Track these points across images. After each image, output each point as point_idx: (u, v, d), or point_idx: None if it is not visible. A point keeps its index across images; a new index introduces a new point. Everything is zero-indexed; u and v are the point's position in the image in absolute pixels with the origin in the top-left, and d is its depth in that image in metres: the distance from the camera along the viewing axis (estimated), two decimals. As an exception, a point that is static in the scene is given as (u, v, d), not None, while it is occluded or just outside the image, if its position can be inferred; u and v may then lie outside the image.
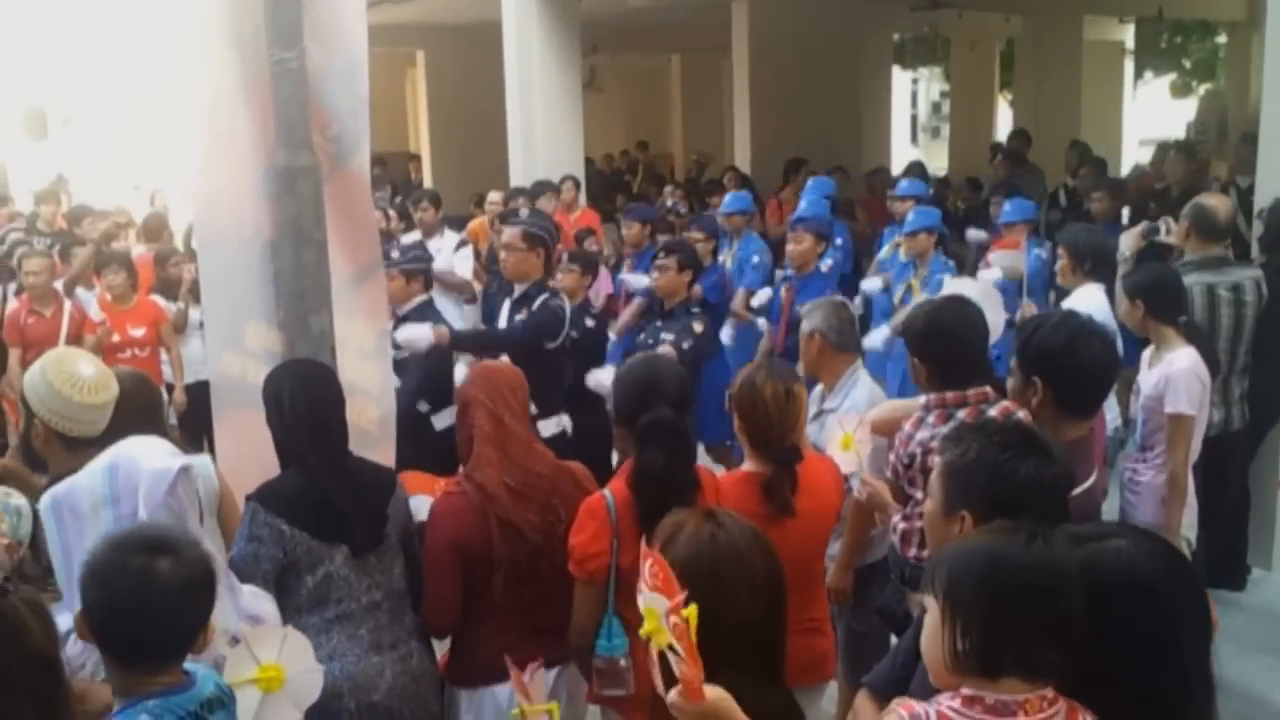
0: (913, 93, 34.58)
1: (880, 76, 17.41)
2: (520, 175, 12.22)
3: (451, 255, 9.20)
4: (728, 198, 9.96)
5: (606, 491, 3.50)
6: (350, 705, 3.39)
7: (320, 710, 3.03)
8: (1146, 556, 2.23)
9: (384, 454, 4.39)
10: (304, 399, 3.50)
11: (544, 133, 12.60)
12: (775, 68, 14.09)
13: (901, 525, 4.12)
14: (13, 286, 8.70)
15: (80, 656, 2.81)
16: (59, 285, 8.01)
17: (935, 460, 3.88)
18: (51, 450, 3.27)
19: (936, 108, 34.66)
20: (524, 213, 8.99)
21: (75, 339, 7.37)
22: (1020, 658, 2.07)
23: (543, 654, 3.53)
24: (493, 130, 13.50)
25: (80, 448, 3.29)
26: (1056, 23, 17.92)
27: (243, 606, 3.06)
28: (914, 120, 35.21)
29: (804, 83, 13.82)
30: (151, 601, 2.32)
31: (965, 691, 2.10)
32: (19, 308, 7.78)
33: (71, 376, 3.33)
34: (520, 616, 3.57)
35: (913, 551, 4.07)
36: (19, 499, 2.99)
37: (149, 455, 2.95)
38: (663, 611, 2.20)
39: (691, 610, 2.18)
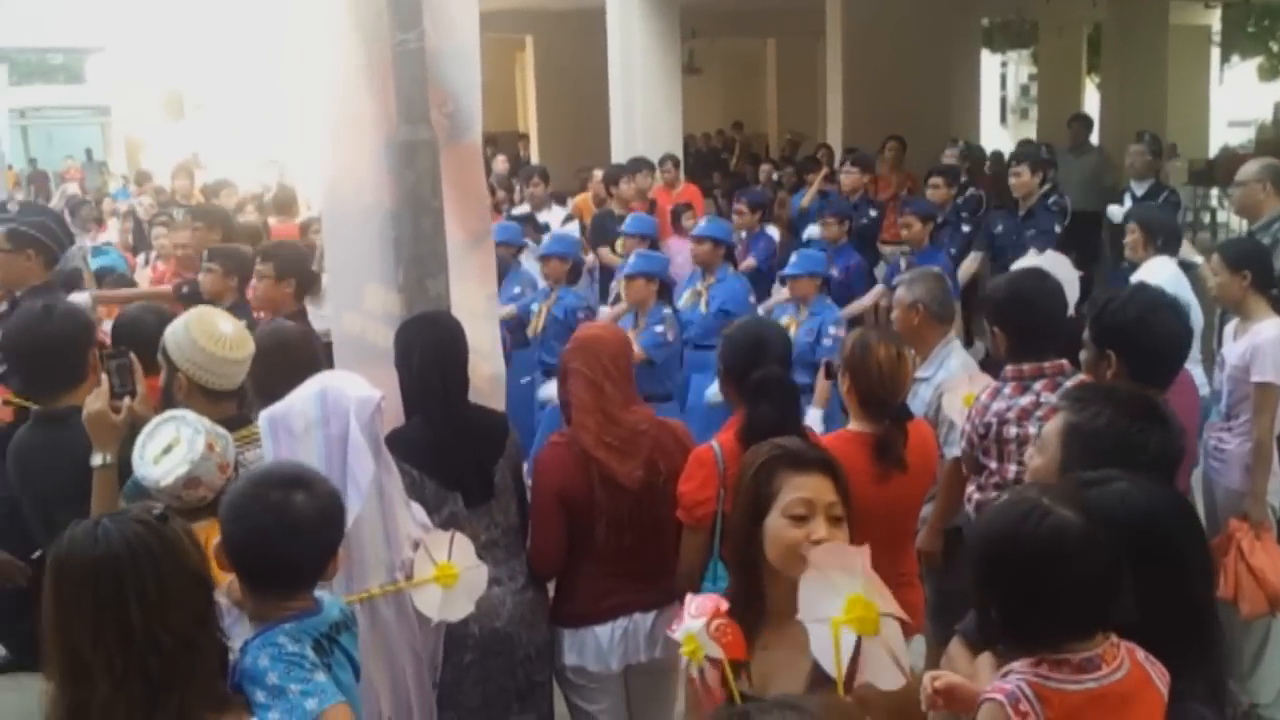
0: (1001, 75, 33.91)
1: (969, 59, 17.13)
2: (621, 153, 12.27)
3: (559, 228, 9.31)
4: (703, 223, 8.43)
5: (715, 443, 3.54)
6: (474, 630, 3.51)
7: (449, 636, 3.32)
8: (1150, 497, 2.22)
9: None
10: (433, 351, 3.61)
11: (644, 113, 12.64)
12: (867, 50, 13.96)
13: (976, 495, 4.09)
14: (151, 254, 9.00)
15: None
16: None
17: (1012, 430, 3.91)
18: (193, 401, 3.35)
19: (1025, 90, 33.98)
20: (13, 208, 8.10)
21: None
22: (1078, 622, 2.07)
23: (642, 597, 3.64)
24: (596, 110, 13.58)
25: (220, 399, 3.41)
26: (1143, 8, 17.43)
27: (417, 517, 3.28)
28: (1003, 102, 34.56)
29: (895, 65, 13.68)
30: (289, 530, 2.41)
31: (1049, 657, 2.09)
32: (163, 273, 8.03)
33: (214, 333, 3.44)
34: (621, 562, 3.63)
35: (987, 520, 4.06)
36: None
37: (353, 384, 3.12)
38: (700, 627, 2.32)
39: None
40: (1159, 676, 2.10)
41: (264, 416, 3.04)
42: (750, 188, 10.46)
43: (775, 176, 12.38)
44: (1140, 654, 2.11)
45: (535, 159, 17.47)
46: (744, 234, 9.24)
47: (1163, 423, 2.57)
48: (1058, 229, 8.15)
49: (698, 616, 2.38)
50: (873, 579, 2.25)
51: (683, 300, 7.46)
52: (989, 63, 26.46)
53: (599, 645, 3.66)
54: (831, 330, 6.62)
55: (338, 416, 3.04)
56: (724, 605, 2.40)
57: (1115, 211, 9.24)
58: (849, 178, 9.86)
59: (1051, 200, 8.31)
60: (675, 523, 3.56)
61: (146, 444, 2.92)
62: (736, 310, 6.82)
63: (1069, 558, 2.04)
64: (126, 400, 3.19)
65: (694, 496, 3.46)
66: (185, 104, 24.17)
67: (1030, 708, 2.05)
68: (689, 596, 2.51)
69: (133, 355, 3.29)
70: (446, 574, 3.13)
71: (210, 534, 2.78)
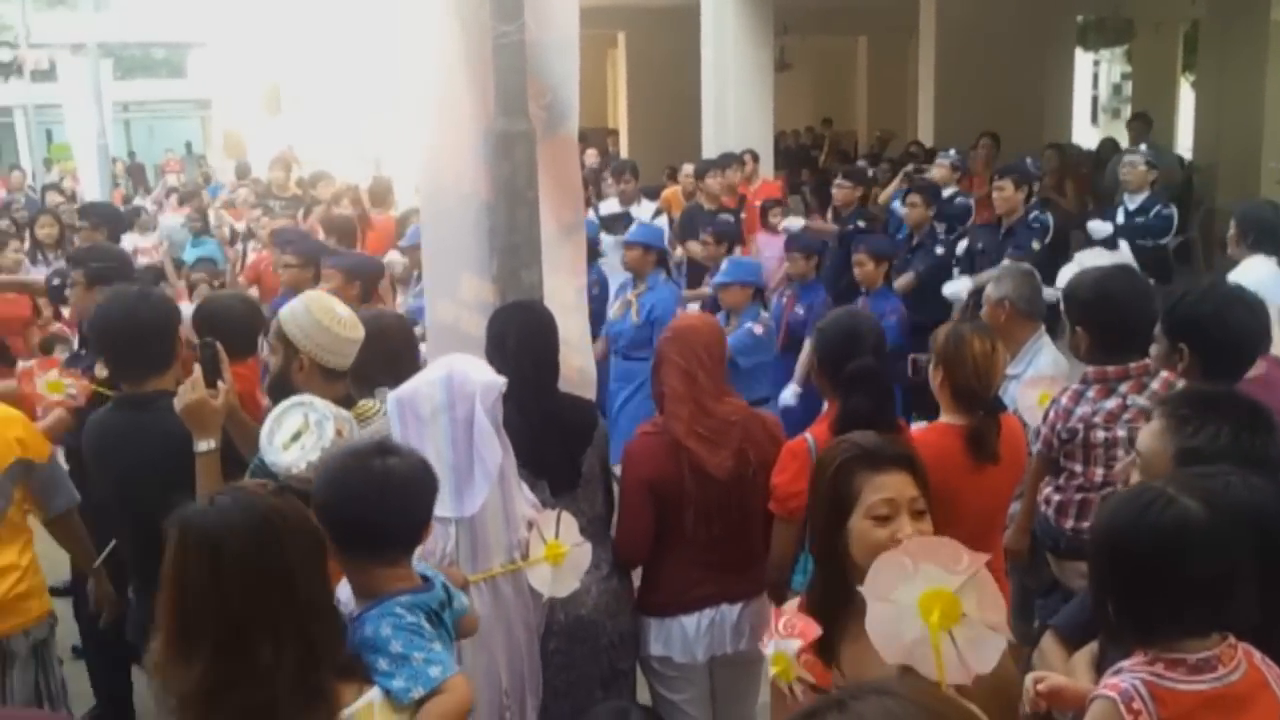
0: (1094, 74, 33.24)
1: (1063, 57, 16.84)
2: (712, 149, 12.25)
3: (649, 221, 9.32)
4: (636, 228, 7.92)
5: (808, 435, 3.53)
6: (560, 617, 3.56)
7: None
8: (1257, 491, 2.17)
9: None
10: (527, 339, 3.65)
11: (736, 109, 12.62)
12: (960, 48, 13.79)
13: (1056, 497, 4.04)
14: (251, 244, 9.20)
15: (435, 542, 3.07)
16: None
17: (1100, 434, 3.83)
18: (312, 382, 3.41)
19: (1117, 89, 33.25)
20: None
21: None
22: (1197, 618, 2.03)
23: (729, 588, 3.64)
24: (687, 106, 13.58)
25: (336, 379, 3.48)
26: (1243, 4, 16.97)
27: (528, 498, 3.38)
28: (1094, 101, 33.87)
29: (988, 63, 13.48)
30: (384, 494, 2.46)
31: (1164, 655, 2.05)
32: (260, 259, 8.21)
33: (334, 314, 3.52)
34: (709, 553, 3.63)
35: (1069, 523, 4.00)
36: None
37: (477, 369, 3.20)
38: (793, 653, 2.31)
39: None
40: (1276, 680, 2.06)
41: (392, 399, 3.10)
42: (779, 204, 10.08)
43: (871, 173, 12.28)
44: (1258, 656, 2.07)
45: (624, 154, 17.50)
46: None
47: (1268, 429, 2.51)
48: (1036, 246, 7.53)
49: (787, 636, 2.35)
50: (983, 586, 2.15)
51: (613, 310, 7.24)
52: (1081, 61, 25.95)
53: (685, 635, 3.66)
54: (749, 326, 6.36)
55: (463, 401, 3.11)
56: (814, 632, 2.35)
57: (1096, 228, 8.41)
58: (941, 170, 9.71)
59: (1033, 216, 7.77)
60: (765, 514, 3.55)
61: (275, 431, 2.97)
62: (667, 319, 6.31)
63: (1191, 550, 2.00)
64: (221, 386, 3.26)
65: (787, 488, 3.45)
66: (283, 99, 24.54)
67: (1143, 706, 2.01)
68: (780, 611, 2.48)
69: (218, 343, 3.37)
70: (555, 552, 3.24)
71: None
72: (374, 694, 2.27)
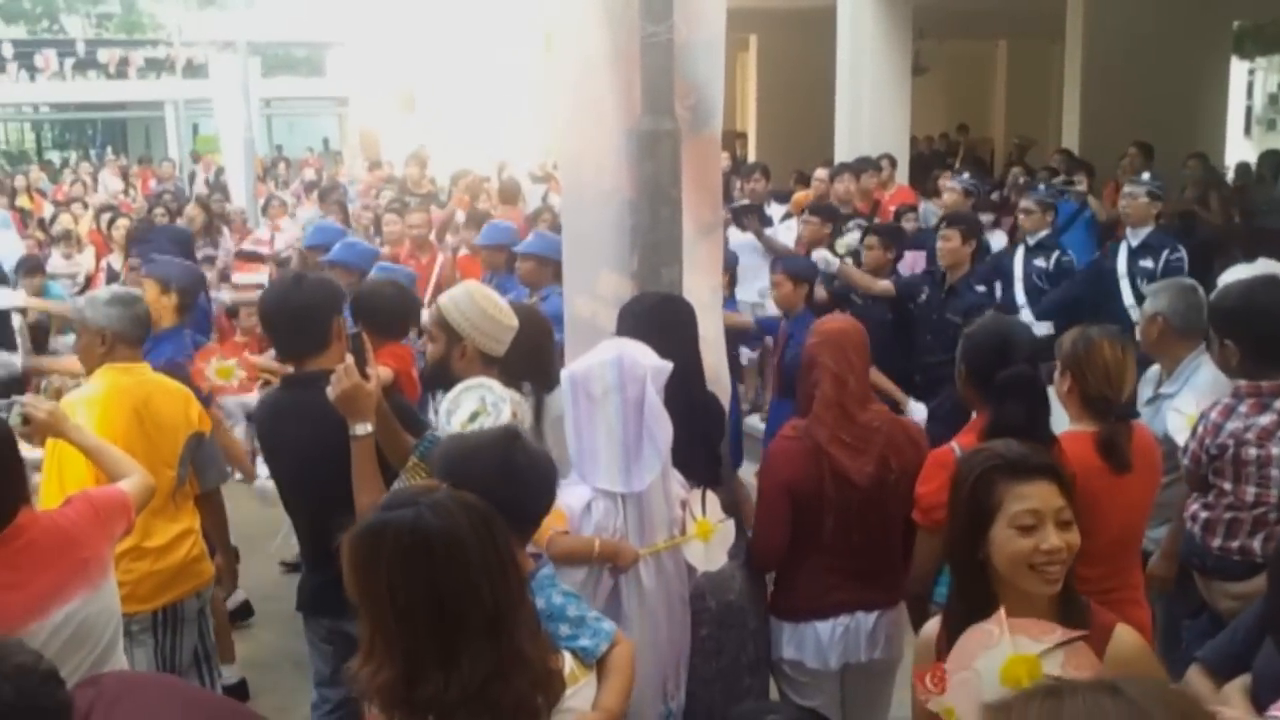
0: (1248, 83, 32.14)
1: (1218, 65, 16.25)
2: (845, 153, 12.15)
3: (779, 225, 9.31)
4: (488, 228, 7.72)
5: (955, 445, 3.48)
6: (711, 604, 3.61)
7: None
8: None
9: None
10: (674, 330, 3.70)
11: (871, 113, 12.49)
12: (1108, 53, 13.42)
13: (1204, 514, 3.91)
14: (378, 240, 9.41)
15: (606, 518, 3.20)
16: (433, 237, 8.60)
17: (1252, 451, 3.70)
18: (472, 368, 3.51)
19: (1274, 99, 32.08)
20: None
21: (442, 281, 7.90)
22: None
23: (865, 596, 3.61)
24: (817, 110, 13.50)
25: (492, 365, 3.56)
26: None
27: (678, 477, 3.47)
28: (1248, 112, 32.74)
29: (1137, 69, 13.10)
30: (514, 470, 2.58)
31: None
32: (394, 254, 8.39)
33: (494, 301, 3.63)
34: (846, 560, 3.61)
35: (1217, 541, 3.87)
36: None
37: (644, 353, 3.29)
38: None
39: None
40: None
41: (566, 377, 3.20)
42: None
43: (1020, 180, 12.05)
44: None
45: (752, 158, 17.46)
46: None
47: None
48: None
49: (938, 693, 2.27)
50: (1076, 653, 2.12)
51: None
52: (1235, 69, 25.11)
53: (819, 641, 3.65)
54: None
55: (634, 382, 3.20)
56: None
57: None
58: (952, 195, 9.23)
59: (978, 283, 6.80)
60: (905, 523, 3.52)
61: (453, 411, 3.12)
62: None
63: None
64: (370, 372, 3.34)
65: (932, 499, 3.39)
66: (416, 98, 25.06)
67: None
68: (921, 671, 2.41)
69: (362, 331, 3.47)
70: (706, 529, 3.34)
71: None
72: (566, 658, 2.41)
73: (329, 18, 29.77)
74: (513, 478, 2.55)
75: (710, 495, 3.44)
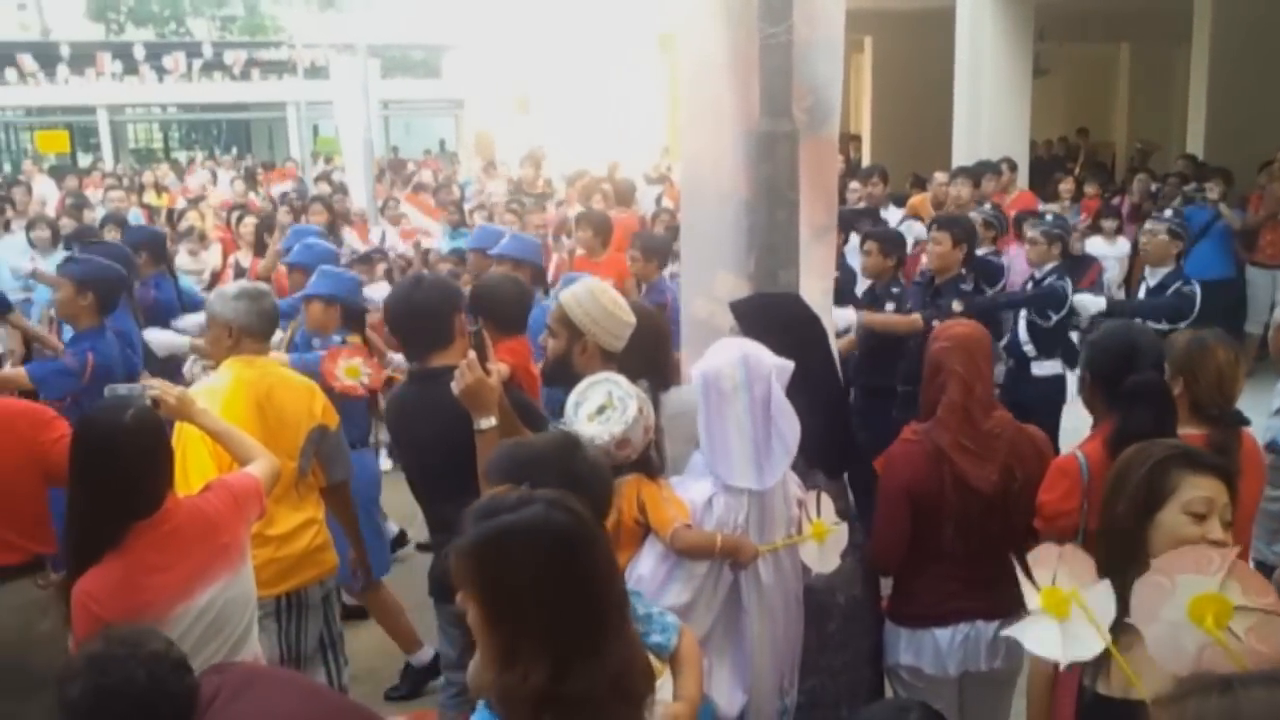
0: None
1: (1354, 68, 15.68)
2: (963, 156, 12.01)
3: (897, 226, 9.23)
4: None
5: (1079, 452, 3.43)
6: (840, 599, 3.63)
7: (815, 604, 3.53)
8: None
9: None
10: (803, 327, 3.70)
11: (990, 116, 12.33)
12: (1238, 56, 13.02)
13: None
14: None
15: (728, 514, 3.21)
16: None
17: None
18: (592, 364, 3.55)
19: None
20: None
21: (555, 280, 7.99)
22: None
23: (986, 604, 3.57)
24: (934, 113, 13.35)
25: (611, 361, 3.60)
26: None
27: (794, 478, 3.48)
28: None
29: (1268, 73, 12.70)
30: (580, 479, 2.60)
31: None
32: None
33: (614, 298, 3.66)
34: (966, 567, 3.57)
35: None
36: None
37: (764, 352, 3.31)
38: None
39: None
40: None
41: (698, 374, 3.21)
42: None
43: (1153, 187, 11.79)
44: None
45: (866, 161, 17.32)
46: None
47: None
48: (957, 306, 6.31)
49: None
50: (1242, 576, 2.16)
51: None
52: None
53: (937, 648, 3.61)
54: None
55: (760, 380, 3.23)
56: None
57: (1086, 302, 7.10)
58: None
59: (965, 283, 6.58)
60: (1027, 531, 3.46)
61: (580, 404, 3.16)
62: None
63: None
64: (490, 367, 3.40)
65: (1056, 507, 3.36)
66: (531, 100, 25.35)
67: None
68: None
69: (483, 328, 3.52)
70: (820, 530, 3.35)
71: (632, 490, 3.10)
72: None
73: (446, 20, 30.29)
74: (575, 485, 2.50)
75: (825, 498, 3.44)
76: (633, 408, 3.12)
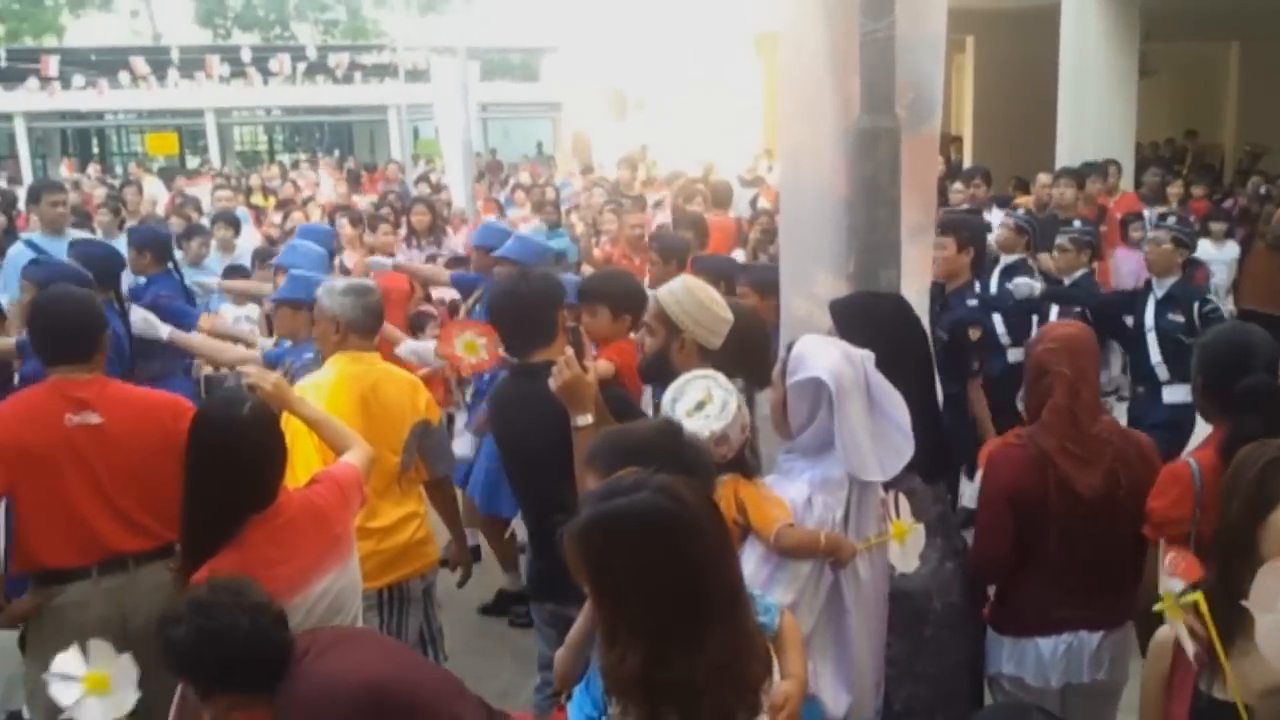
0: None
1: None
2: (1067, 158, 11.77)
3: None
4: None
5: (1191, 459, 3.33)
6: (936, 605, 3.54)
7: (910, 610, 3.46)
8: None
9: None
10: (909, 327, 3.65)
11: (1095, 118, 12.07)
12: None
13: None
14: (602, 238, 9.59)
15: (826, 512, 3.15)
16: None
17: None
18: (690, 361, 3.54)
19: None
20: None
21: (654, 281, 7.99)
22: None
23: (1090, 614, 3.49)
24: (1037, 114, 13.10)
25: (708, 359, 3.58)
26: None
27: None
28: None
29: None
30: (687, 465, 2.56)
31: None
32: (610, 253, 8.54)
33: (712, 295, 3.65)
34: (1070, 575, 3.48)
35: None
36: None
37: (850, 346, 3.25)
38: (1177, 592, 2.43)
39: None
40: None
41: (827, 373, 3.11)
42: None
43: (1264, 190, 11.47)
44: None
45: (968, 162, 17.07)
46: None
47: None
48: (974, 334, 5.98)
49: (1172, 575, 2.41)
50: None
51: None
52: None
53: (1040, 658, 3.53)
54: None
55: (861, 373, 3.15)
56: (1196, 572, 2.40)
57: (1020, 285, 6.69)
58: (1004, 231, 7.95)
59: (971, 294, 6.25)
60: (1134, 539, 3.36)
61: (678, 399, 3.12)
62: None
63: None
64: (588, 365, 3.40)
65: (1166, 514, 3.26)
66: (628, 103, 25.43)
67: None
68: (1169, 547, 2.59)
69: (580, 326, 3.51)
70: (900, 530, 3.28)
71: (729, 490, 3.04)
72: None
73: (545, 23, 30.52)
74: (683, 469, 2.50)
75: (902, 498, 3.35)
76: (733, 405, 3.08)
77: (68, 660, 3.00)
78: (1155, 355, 6.25)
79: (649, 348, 3.71)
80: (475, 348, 4.88)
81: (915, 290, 4.61)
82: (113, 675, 3.01)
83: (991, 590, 3.77)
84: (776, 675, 2.37)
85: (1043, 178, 10.28)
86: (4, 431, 3.69)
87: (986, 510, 3.56)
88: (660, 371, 3.58)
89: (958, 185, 10.42)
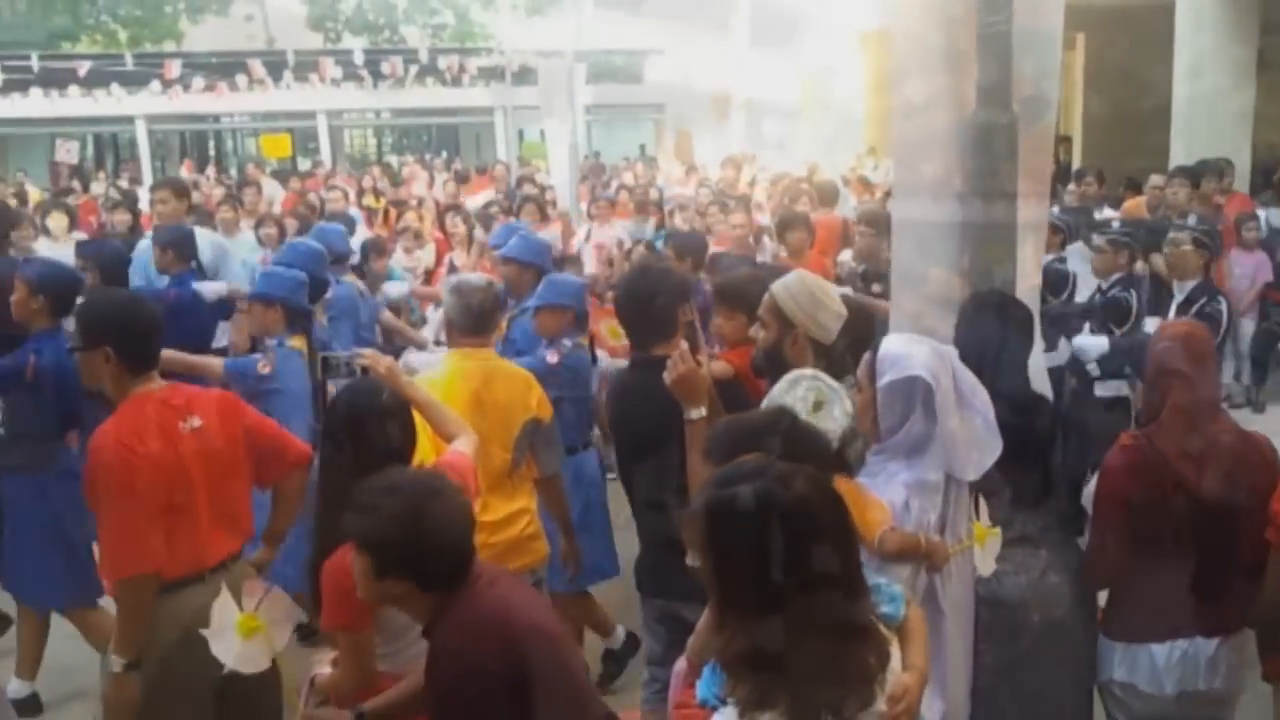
0: None
1: None
2: (1181, 157, 11.47)
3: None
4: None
5: None
6: (1034, 618, 3.46)
7: (1009, 620, 3.39)
8: None
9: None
10: (1018, 332, 3.59)
11: (1210, 116, 11.73)
12: None
13: None
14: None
15: (922, 515, 3.11)
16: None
17: None
18: (803, 356, 3.57)
19: None
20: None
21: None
22: None
23: (1206, 620, 3.41)
24: (1149, 113, 12.78)
25: (821, 354, 3.58)
26: None
27: None
28: None
29: None
30: (804, 455, 2.51)
31: None
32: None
33: (827, 290, 3.65)
34: (1187, 580, 3.40)
35: None
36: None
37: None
38: None
39: None
40: None
41: (926, 370, 3.09)
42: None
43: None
44: None
45: (1077, 162, 16.72)
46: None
47: None
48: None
49: None
50: None
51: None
52: None
53: (1154, 665, 3.46)
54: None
55: (956, 370, 3.14)
56: None
57: (1086, 347, 6.19)
58: None
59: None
60: (1253, 544, 3.27)
61: (786, 394, 3.13)
62: (525, 346, 5.59)
63: None
64: (701, 358, 3.42)
65: None
66: (730, 104, 25.41)
67: None
68: None
69: (695, 320, 3.53)
70: (981, 533, 3.25)
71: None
72: None
73: (649, 25, 30.61)
74: (802, 454, 2.49)
75: (981, 501, 3.31)
76: (848, 406, 3.08)
77: (222, 606, 3.10)
78: None
79: (762, 342, 3.71)
80: (618, 333, 4.96)
81: (1028, 288, 4.54)
82: (264, 615, 3.18)
83: (1103, 597, 3.69)
84: (897, 664, 2.35)
85: (1155, 178, 10.02)
86: (143, 446, 3.52)
87: (1101, 514, 3.49)
88: (773, 366, 3.58)
89: (1071, 186, 10.21)
